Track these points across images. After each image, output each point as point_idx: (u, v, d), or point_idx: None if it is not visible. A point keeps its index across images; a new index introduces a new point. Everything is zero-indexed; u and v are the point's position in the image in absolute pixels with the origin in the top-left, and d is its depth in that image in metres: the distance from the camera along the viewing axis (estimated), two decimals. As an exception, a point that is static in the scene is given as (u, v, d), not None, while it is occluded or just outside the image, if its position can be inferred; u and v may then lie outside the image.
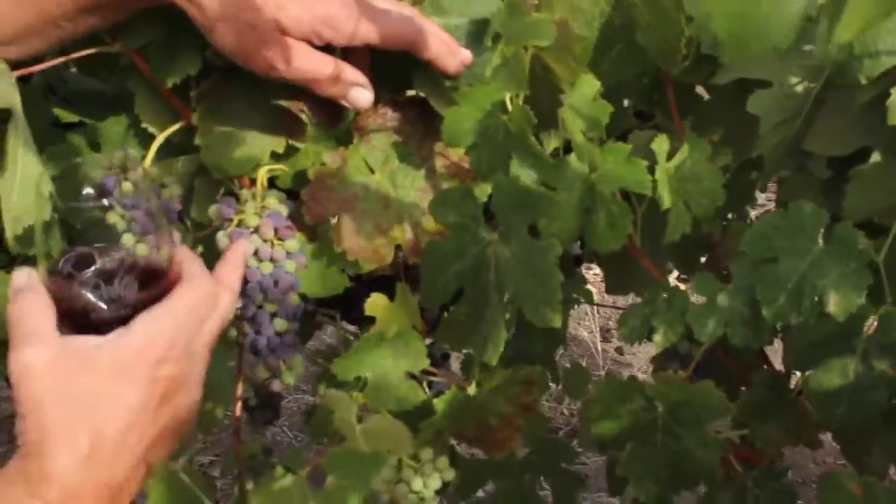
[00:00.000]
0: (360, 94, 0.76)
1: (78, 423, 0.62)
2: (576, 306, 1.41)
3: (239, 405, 1.00)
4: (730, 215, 0.98)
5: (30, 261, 0.95)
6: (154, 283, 0.69)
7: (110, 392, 0.63)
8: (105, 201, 0.69)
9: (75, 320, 0.67)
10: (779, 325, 0.79)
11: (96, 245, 0.68)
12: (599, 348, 2.97)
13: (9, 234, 0.73)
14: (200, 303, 0.69)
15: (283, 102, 0.79)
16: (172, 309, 0.67)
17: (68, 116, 0.88)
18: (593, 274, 2.62)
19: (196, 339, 0.69)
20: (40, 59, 0.78)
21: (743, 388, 0.93)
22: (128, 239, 0.78)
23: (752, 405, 0.88)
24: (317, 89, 0.75)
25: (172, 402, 0.67)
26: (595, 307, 2.99)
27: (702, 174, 0.82)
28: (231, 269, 0.75)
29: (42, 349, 0.63)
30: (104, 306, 0.66)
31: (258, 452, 1.03)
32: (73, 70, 0.96)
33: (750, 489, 0.88)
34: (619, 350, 3.00)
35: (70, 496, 0.61)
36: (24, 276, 0.67)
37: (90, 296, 0.66)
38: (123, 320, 0.66)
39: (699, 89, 0.93)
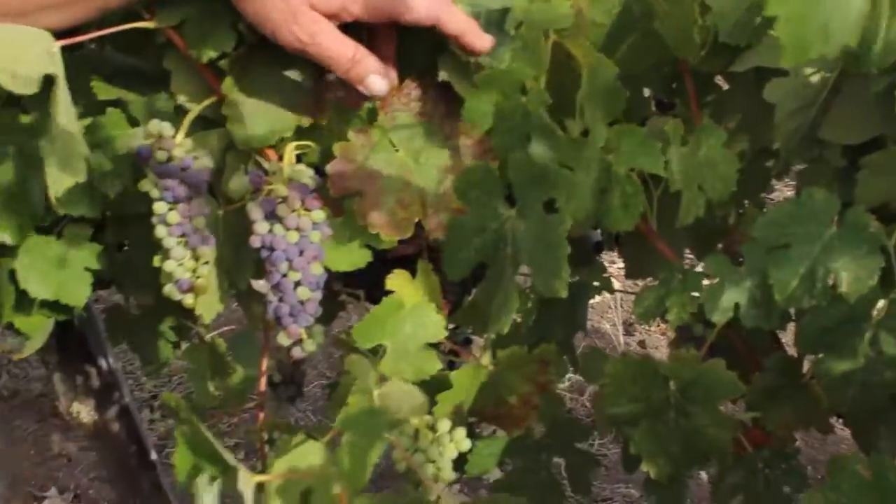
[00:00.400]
0: (377, 81, 0.78)
1: None
2: (598, 299, 1.44)
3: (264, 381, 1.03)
4: (746, 202, 0.99)
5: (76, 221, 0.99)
6: None
7: None
8: None
9: None
10: (791, 309, 0.81)
11: None
12: (622, 341, 2.98)
13: (51, 195, 0.76)
14: None
15: (308, 83, 0.82)
16: None
17: (107, 92, 0.91)
18: (617, 268, 2.63)
19: None
20: (79, 31, 0.80)
21: (756, 373, 0.95)
22: (159, 207, 0.82)
23: (764, 389, 0.90)
24: (336, 70, 0.77)
25: None
26: (618, 302, 3.01)
27: (717, 159, 0.84)
28: None
29: None
30: None
31: (281, 426, 1.06)
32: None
33: (760, 469, 0.90)
34: (641, 343, 3.01)
35: None
36: None
37: None
38: None
39: (718, 79, 0.95)
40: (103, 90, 0.90)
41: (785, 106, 0.83)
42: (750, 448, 0.90)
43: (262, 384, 1.08)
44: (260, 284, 0.85)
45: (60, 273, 1.05)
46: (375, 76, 0.78)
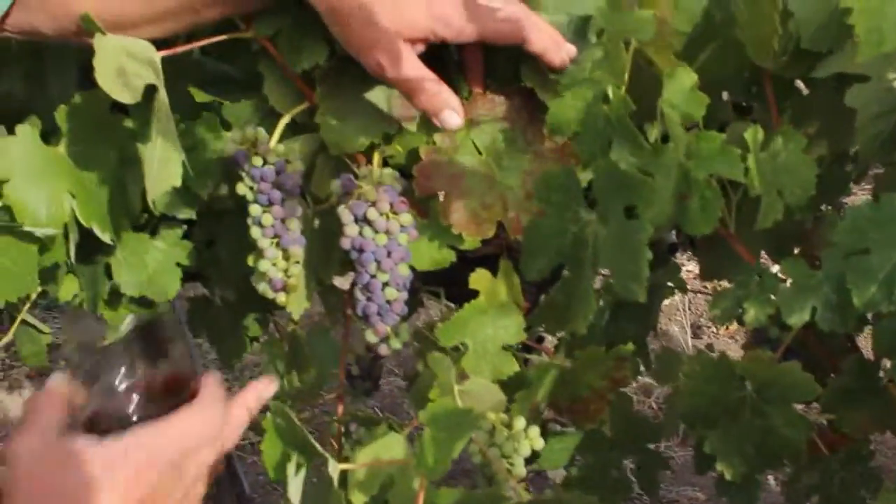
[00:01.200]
0: (451, 116, 0.80)
1: None
2: (667, 302, 1.44)
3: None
4: (824, 206, 1.00)
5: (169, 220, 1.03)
6: (166, 402, 0.72)
7: (89, 490, 0.64)
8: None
9: (85, 430, 0.70)
10: (868, 313, 0.81)
11: (117, 361, 0.72)
12: (690, 344, 2.97)
13: (149, 197, 0.81)
14: (201, 428, 0.71)
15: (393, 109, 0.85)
16: (171, 424, 0.69)
17: (202, 96, 0.95)
18: (686, 270, 2.62)
19: (188, 460, 0.69)
20: (173, 42, 0.85)
21: (832, 375, 0.95)
22: (254, 209, 0.86)
23: (840, 391, 0.90)
24: (413, 100, 0.80)
25: None
26: (686, 305, 2.99)
27: (796, 164, 0.84)
28: (243, 407, 0.77)
29: (33, 438, 0.67)
30: (109, 418, 0.70)
31: (361, 417, 1.09)
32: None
33: (836, 471, 0.90)
34: (709, 347, 2.99)
35: None
36: (55, 380, 0.71)
37: (95, 411, 0.71)
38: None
39: (797, 83, 0.95)
40: (199, 95, 0.94)
41: (867, 111, 0.83)
42: (825, 450, 0.91)
43: (342, 377, 1.11)
44: (340, 281, 0.88)
45: (152, 269, 1.10)
46: (450, 111, 0.80)
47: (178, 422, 0.70)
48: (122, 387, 0.71)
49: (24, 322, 1.26)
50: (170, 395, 0.73)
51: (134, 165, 0.99)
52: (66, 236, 1.01)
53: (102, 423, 0.70)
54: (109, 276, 1.09)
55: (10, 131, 1.12)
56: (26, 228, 0.97)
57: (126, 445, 0.67)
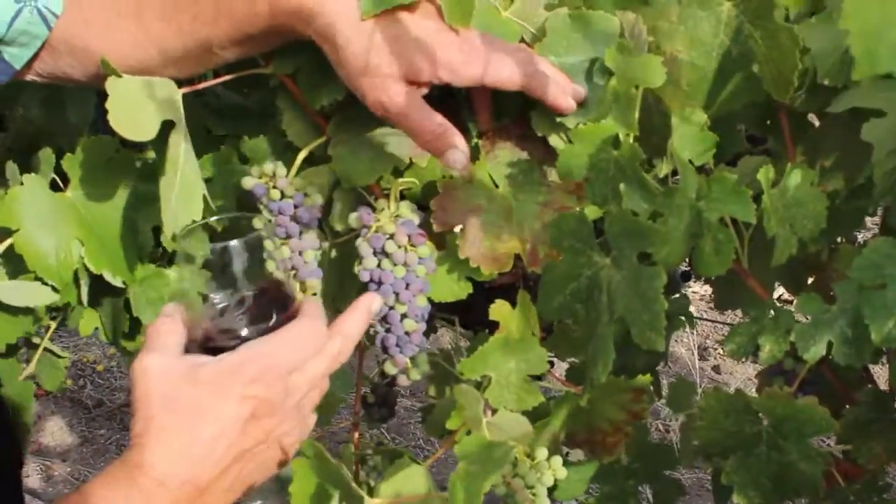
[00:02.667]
0: (457, 156, 0.80)
1: (175, 424, 0.70)
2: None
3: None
4: (839, 239, 1.00)
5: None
6: (273, 322, 0.77)
7: (206, 402, 0.71)
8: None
9: (200, 346, 0.76)
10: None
11: (223, 283, 0.77)
12: (697, 366, 2.97)
13: (167, 232, 0.81)
14: (305, 340, 0.76)
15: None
16: (275, 339, 0.74)
17: (219, 129, 0.96)
18: (692, 292, 2.63)
19: (296, 374, 0.74)
20: (193, 80, 0.86)
21: (847, 406, 0.96)
22: (269, 244, 0.86)
23: (856, 422, 0.90)
24: (418, 142, 0.81)
25: (262, 423, 0.73)
26: (692, 328, 2.99)
27: (805, 198, 0.84)
28: (353, 319, 0.80)
29: (160, 357, 0.73)
30: (220, 335, 0.76)
31: (381, 450, 1.09)
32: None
33: (852, 502, 0.90)
34: (716, 368, 2.99)
35: (156, 484, 0.69)
36: (169, 306, 0.78)
37: (210, 325, 0.76)
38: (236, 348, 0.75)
39: (811, 116, 0.96)
40: (216, 129, 0.95)
41: (883, 146, 0.83)
42: (842, 481, 0.91)
43: (358, 405, 1.12)
44: None
45: (168, 300, 1.11)
46: (455, 150, 0.80)
47: (283, 336, 0.75)
48: (230, 307, 0.77)
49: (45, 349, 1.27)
50: (273, 313, 0.77)
51: (145, 204, 1.00)
52: (76, 280, 1.03)
53: (215, 341, 0.76)
54: (128, 309, 1.10)
55: (28, 157, 1.14)
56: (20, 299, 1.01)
57: (237, 360, 0.72)
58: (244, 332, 0.76)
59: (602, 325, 0.83)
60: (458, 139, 0.80)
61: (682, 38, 0.83)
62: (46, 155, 1.01)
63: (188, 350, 0.75)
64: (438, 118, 0.79)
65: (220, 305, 0.77)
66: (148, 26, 0.81)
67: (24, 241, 0.98)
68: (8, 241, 1.02)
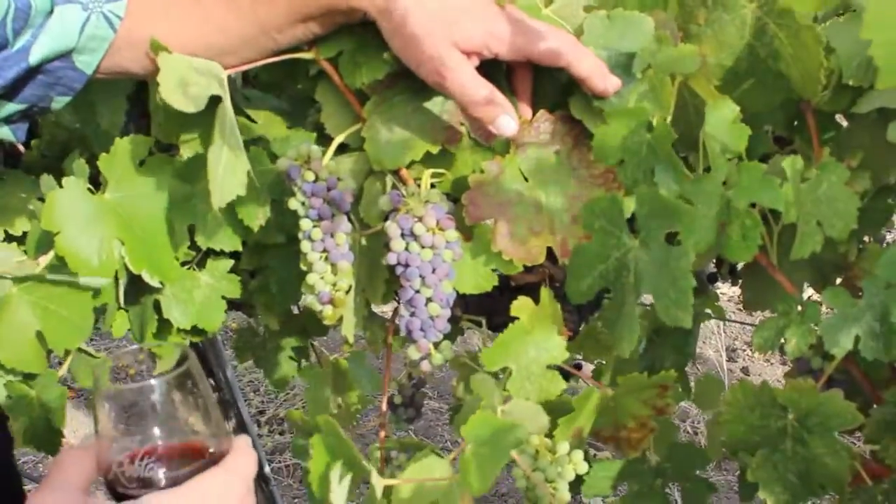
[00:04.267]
0: (507, 121, 0.83)
1: None
2: (702, 325, 1.46)
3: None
4: (866, 238, 1.00)
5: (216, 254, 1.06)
6: (186, 467, 0.73)
7: None
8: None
9: (110, 488, 0.73)
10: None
11: (143, 423, 0.72)
12: (725, 367, 2.96)
13: (214, 204, 0.83)
14: (213, 493, 0.71)
15: (445, 116, 0.88)
16: (180, 491, 0.70)
17: (250, 132, 0.98)
18: (720, 293, 2.62)
19: None
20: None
21: (874, 406, 0.96)
22: (305, 223, 0.88)
23: (883, 422, 0.90)
24: (470, 108, 0.83)
25: None
26: (721, 328, 2.99)
27: (836, 196, 0.85)
28: (241, 458, 0.76)
29: (57, 497, 0.70)
30: (128, 481, 0.72)
31: (402, 444, 1.10)
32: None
33: (879, 501, 0.90)
34: (745, 370, 2.98)
35: None
36: (85, 440, 0.74)
37: (118, 470, 0.72)
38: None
39: (838, 116, 0.97)
40: (248, 129, 0.97)
41: (910, 146, 0.84)
42: (868, 480, 0.91)
43: (385, 404, 1.13)
44: (380, 309, 0.90)
45: (200, 302, 1.13)
46: (506, 117, 0.83)
47: (194, 488, 0.71)
48: (145, 448, 0.72)
49: (79, 350, 1.29)
50: (195, 456, 0.74)
51: (180, 204, 1.02)
52: (115, 280, 1.05)
53: (124, 486, 0.72)
54: (157, 310, 1.13)
55: (60, 162, 1.17)
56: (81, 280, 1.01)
57: None
58: (157, 479, 0.72)
59: (628, 305, 0.84)
60: (508, 106, 0.83)
61: (710, 41, 0.85)
62: (79, 165, 1.03)
63: (103, 484, 0.72)
64: (489, 85, 0.82)
65: (140, 446, 0.72)
66: (209, 13, 0.83)
67: (66, 243, 1.00)
68: (49, 256, 1.04)
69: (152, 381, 0.71)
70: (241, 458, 0.75)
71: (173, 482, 0.71)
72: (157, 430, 0.72)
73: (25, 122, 0.87)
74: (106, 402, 0.72)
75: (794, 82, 0.83)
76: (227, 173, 0.83)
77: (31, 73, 0.81)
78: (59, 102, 0.86)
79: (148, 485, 0.71)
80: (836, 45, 0.83)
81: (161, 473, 0.71)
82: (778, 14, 0.81)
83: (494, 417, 0.79)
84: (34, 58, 0.80)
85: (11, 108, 0.83)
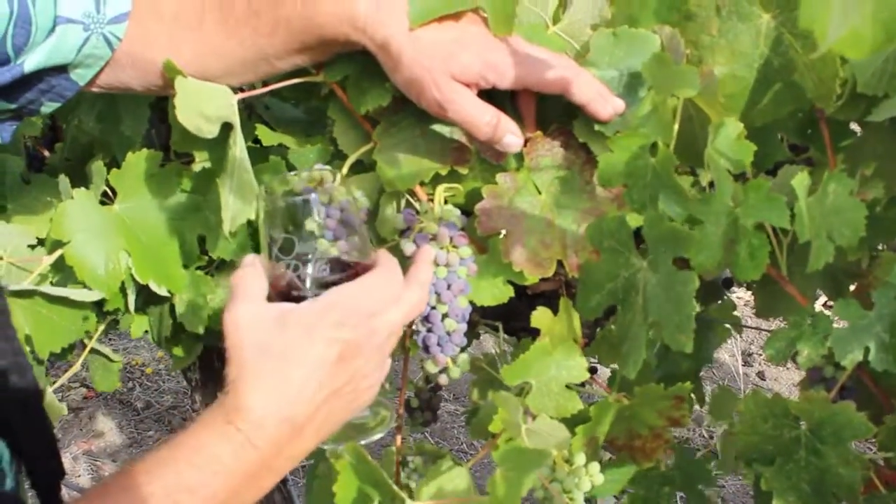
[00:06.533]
0: (512, 141, 0.85)
1: (268, 367, 0.73)
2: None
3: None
4: (880, 246, 1.00)
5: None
6: (351, 272, 0.80)
7: (296, 346, 0.74)
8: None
9: (282, 295, 0.79)
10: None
11: (303, 238, 0.80)
12: (741, 372, 2.95)
13: (225, 229, 0.85)
14: (384, 287, 0.79)
15: (455, 136, 0.89)
16: (357, 286, 0.78)
17: (269, 139, 0.99)
18: (737, 297, 2.62)
19: (377, 318, 0.77)
20: (244, 88, 0.90)
21: (887, 414, 0.96)
22: (322, 244, 0.89)
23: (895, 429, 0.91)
24: (474, 132, 0.84)
25: (349, 364, 0.76)
26: (738, 334, 2.98)
27: (844, 206, 0.85)
28: (423, 269, 0.84)
29: (249, 306, 0.76)
30: (302, 284, 0.79)
31: (423, 450, 1.11)
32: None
33: (893, 510, 0.91)
34: (760, 375, 2.97)
35: (255, 425, 0.72)
36: (249, 257, 0.81)
37: (292, 275, 0.79)
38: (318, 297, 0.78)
39: (852, 124, 0.97)
40: (266, 137, 0.98)
41: (924, 155, 0.84)
42: (882, 488, 0.91)
43: (401, 409, 1.14)
44: None
45: (215, 306, 1.14)
46: (511, 136, 0.85)
47: (364, 283, 0.78)
48: (312, 257, 0.80)
49: (95, 351, 1.30)
50: (352, 264, 0.81)
51: (190, 214, 1.04)
52: (122, 289, 1.07)
53: (299, 289, 0.79)
54: (172, 314, 1.14)
55: (82, 166, 1.18)
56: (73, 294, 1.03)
57: (323, 305, 0.76)
58: (327, 280, 0.79)
59: (636, 326, 0.84)
60: (512, 125, 0.85)
61: (723, 51, 0.85)
62: (99, 167, 1.05)
63: (269, 298, 0.78)
64: (491, 109, 0.84)
65: (301, 251, 0.80)
66: (209, 39, 0.84)
67: (75, 252, 1.03)
68: (58, 252, 1.06)
69: (313, 195, 0.80)
70: (394, 262, 0.81)
71: (342, 282, 0.78)
72: (323, 242, 0.80)
73: (15, 122, 0.88)
74: (275, 218, 0.79)
75: (808, 91, 0.83)
76: (238, 199, 0.85)
77: (26, 79, 0.83)
78: (49, 107, 0.87)
79: (321, 286, 0.78)
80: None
81: (331, 275, 0.79)
82: (794, 24, 0.82)
83: (523, 444, 0.81)
84: (29, 66, 0.81)
85: (2, 105, 0.84)
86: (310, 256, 0.79)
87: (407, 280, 0.81)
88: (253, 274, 0.79)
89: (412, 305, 0.81)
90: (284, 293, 0.79)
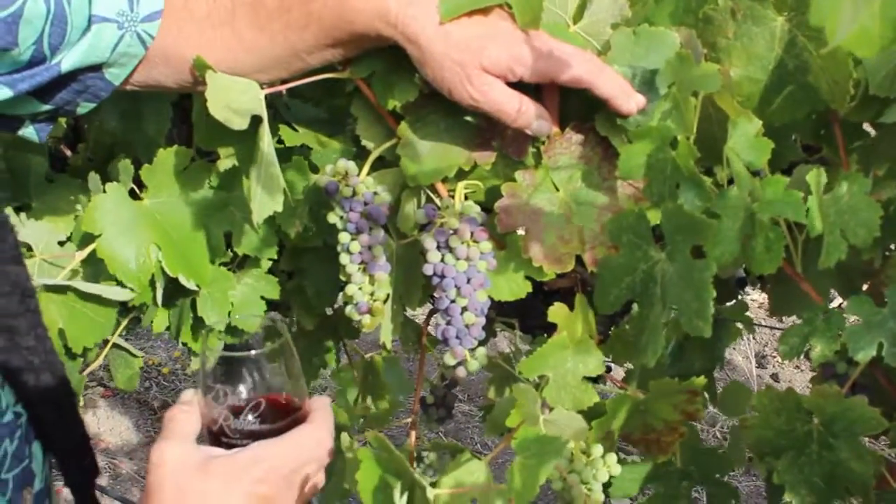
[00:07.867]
0: (542, 125, 0.88)
1: None
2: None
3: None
4: (893, 245, 1.02)
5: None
6: (281, 424, 0.83)
7: (214, 495, 0.76)
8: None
9: (213, 436, 0.83)
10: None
11: (236, 392, 0.83)
12: (755, 374, 2.95)
13: (255, 219, 0.89)
14: (311, 447, 0.82)
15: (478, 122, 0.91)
16: (286, 444, 0.81)
17: (292, 139, 1.01)
18: (750, 299, 2.62)
19: (294, 474, 0.81)
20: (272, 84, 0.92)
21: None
22: (344, 237, 0.92)
23: (909, 426, 0.92)
24: (506, 119, 0.87)
25: None
26: (750, 335, 2.99)
27: (859, 206, 0.86)
28: (325, 415, 0.86)
29: (177, 447, 0.78)
30: (231, 433, 0.82)
31: (440, 445, 1.13)
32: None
33: (906, 505, 0.92)
34: (774, 377, 2.97)
35: None
36: (188, 394, 0.84)
37: (223, 423, 0.82)
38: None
39: (866, 125, 0.98)
40: (289, 138, 1.00)
41: (936, 155, 0.86)
42: (894, 484, 0.92)
43: (417, 404, 1.15)
44: (413, 313, 0.93)
45: (236, 302, 1.17)
46: (540, 120, 0.88)
47: (291, 442, 0.81)
48: (246, 404, 0.82)
49: (117, 347, 1.32)
50: (286, 412, 0.84)
51: (217, 210, 1.06)
52: (151, 283, 1.09)
53: (229, 437, 0.82)
54: (193, 309, 1.16)
55: (105, 166, 1.21)
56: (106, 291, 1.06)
57: (247, 458, 0.79)
58: (256, 431, 0.82)
59: (655, 315, 0.86)
60: (541, 110, 0.88)
61: (739, 54, 0.87)
62: (125, 165, 1.07)
63: (202, 436, 0.81)
64: (519, 95, 0.86)
65: (240, 402, 0.83)
66: (241, 34, 0.86)
67: (106, 246, 1.05)
68: (91, 247, 1.08)
69: (253, 353, 0.82)
70: (326, 415, 0.85)
71: (271, 434, 0.82)
72: (255, 392, 0.83)
73: (50, 123, 0.91)
74: (215, 368, 0.83)
75: (822, 93, 0.85)
76: (265, 192, 0.87)
77: (62, 79, 0.85)
78: (85, 108, 0.89)
79: (250, 436, 0.82)
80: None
81: (260, 426, 0.82)
82: (807, 26, 0.83)
83: (540, 431, 0.82)
84: (66, 65, 0.83)
85: (40, 107, 0.86)
86: (242, 407, 0.82)
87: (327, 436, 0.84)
88: (187, 413, 0.82)
89: (324, 461, 0.85)
90: (216, 436, 0.83)
